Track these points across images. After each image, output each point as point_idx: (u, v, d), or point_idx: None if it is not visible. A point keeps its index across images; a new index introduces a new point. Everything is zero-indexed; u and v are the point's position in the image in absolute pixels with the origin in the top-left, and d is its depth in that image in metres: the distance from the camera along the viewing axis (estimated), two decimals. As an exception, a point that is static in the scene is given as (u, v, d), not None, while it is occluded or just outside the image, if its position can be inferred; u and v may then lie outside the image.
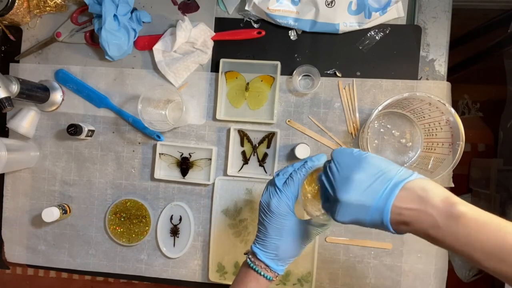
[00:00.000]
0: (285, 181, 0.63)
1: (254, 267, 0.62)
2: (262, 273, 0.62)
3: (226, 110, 0.95)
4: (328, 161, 0.54)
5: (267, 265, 0.62)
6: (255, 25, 0.93)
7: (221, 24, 0.94)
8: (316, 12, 0.89)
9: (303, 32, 0.92)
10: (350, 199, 0.49)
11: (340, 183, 0.50)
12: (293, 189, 0.61)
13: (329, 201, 0.53)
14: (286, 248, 0.62)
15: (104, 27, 0.89)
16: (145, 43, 0.96)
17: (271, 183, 0.64)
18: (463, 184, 1.65)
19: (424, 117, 0.85)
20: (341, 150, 0.54)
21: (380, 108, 0.77)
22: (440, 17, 0.90)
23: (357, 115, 0.91)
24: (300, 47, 0.92)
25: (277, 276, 0.63)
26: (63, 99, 0.99)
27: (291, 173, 0.63)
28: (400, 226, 0.48)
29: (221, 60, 0.92)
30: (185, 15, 0.95)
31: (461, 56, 1.48)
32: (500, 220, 0.45)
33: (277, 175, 0.64)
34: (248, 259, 0.64)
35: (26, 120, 0.97)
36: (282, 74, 0.92)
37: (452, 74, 0.97)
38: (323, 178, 0.54)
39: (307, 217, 0.63)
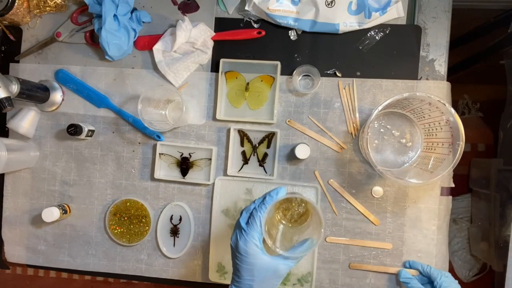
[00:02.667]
0: (248, 220, 0.64)
1: None
2: None
3: (226, 110, 0.95)
4: None
5: None
6: (255, 25, 0.93)
7: (221, 24, 0.94)
8: (316, 12, 0.89)
9: (303, 32, 0.92)
10: None
11: None
12: (257, 228, 0.63)
13: None
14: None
15: (104, 27, 0.89)
16: (145, 43, 0.96)
17: (237, 223, 0.66)
18: (463, 184, 1.65)
19: (424, 117, 0.85)
20: None
21: (380, 108, 0.77)
22: (440, 17, 0.90)
23: (357, 115, 0.91)
24: (300, 47, 0.92)
25: None
26: (63, 99, 0.99)
27: (252, 211, 0.64)
28: None
29: (221, 60, 0.92)
30: (185, 15, 0.95)
31: (461, 56, 1.48)
32: None
33: (241, 213, 0.66)
34: None
35: (26, 120, 0.97)
36: (282, 74, 0.92)
37: (452, 74, 0.97)
38: None
39: (275, 254, 0.65)
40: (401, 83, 0.90)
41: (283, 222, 0.78)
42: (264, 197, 0.65)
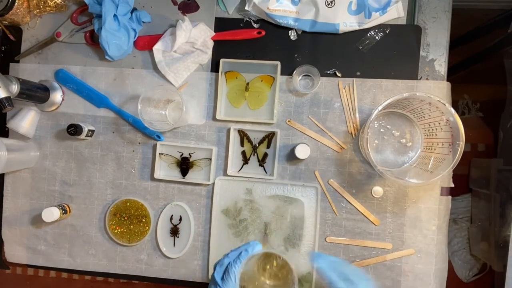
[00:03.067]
0: (223, 276, 0.64)
1: None
2: None
3: (226, 110, 0.95)
4: None
5: None
6: (255, 25, 0.93)
7: (221, 24, 0.94)
8: (316, 12, 0.89)
9: (303, 32, 0.92)
10: None
11: None
12: (232, 283, 0.63)
13: None
14: None
15: (104, 27, 0.89)
16: (145, 43, 0.96)
17: (212, 279, 0.65)
18: (463, 184, 1.65)
19: (424, 117, 0.85)
20: None
21: (380, 108, 0.77)
22: (440, 17, 0.90)
23: (357, 115, 0.91)
24: (300, 47, 0.92)
25: None
26: (63, 99, 0.99)
27: (227, 266, 0.64)
28: None
29: (221, 60, 0.92)
30: (185, 15, 0.95)
31: (461, 56, 1.47)
32: None
33: (215, 267, 0.66)
34: None
35: (26, 120, 0.97)
36: (282, 74, 0.92)
37: (452, 74, 0.97)
38: None
39: None
40: (401, 83, 0.89)
41: (266, 281, 0.78)
42: (240, 252, 0.66)
